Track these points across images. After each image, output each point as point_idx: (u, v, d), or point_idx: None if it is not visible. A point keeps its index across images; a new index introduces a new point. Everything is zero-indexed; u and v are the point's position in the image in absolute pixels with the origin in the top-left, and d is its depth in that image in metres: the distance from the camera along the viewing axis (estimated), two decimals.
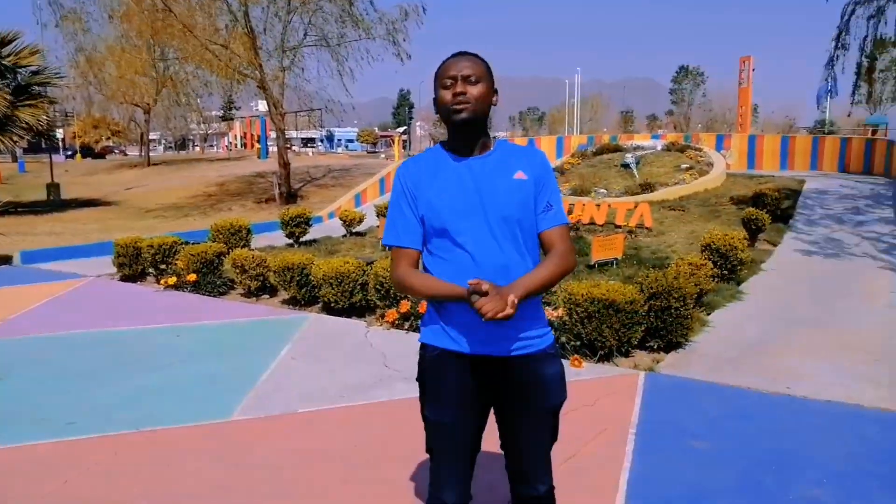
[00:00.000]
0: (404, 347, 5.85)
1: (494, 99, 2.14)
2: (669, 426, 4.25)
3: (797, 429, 4.23)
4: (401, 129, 70.81)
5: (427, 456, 2.27)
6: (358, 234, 13.59)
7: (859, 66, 13.27)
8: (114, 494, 3.43)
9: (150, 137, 47.78)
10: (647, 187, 15.36)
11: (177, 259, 9.14)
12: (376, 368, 5.40)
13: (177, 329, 6.84)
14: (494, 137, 2.22)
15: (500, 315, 1.84)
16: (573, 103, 70.94)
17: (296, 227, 12.50)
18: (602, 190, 15.53)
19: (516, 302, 1.88)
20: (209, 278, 8.65)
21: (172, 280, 8.86)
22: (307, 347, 6.11)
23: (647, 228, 11.76)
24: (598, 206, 12.72)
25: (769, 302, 7.59)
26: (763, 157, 22.04)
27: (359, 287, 7.05)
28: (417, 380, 2.24)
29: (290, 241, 12.61)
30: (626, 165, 16.98)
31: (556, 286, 2.24)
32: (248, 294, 8.37)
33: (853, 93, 14.49)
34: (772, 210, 12.19)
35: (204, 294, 8.49)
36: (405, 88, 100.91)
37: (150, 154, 42.27)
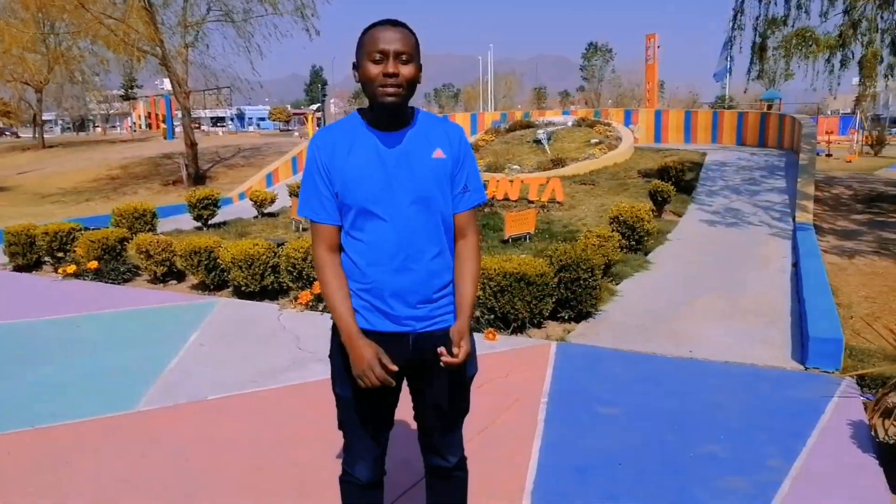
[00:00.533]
0: (318, 329, 5.77)
1: (420, 76, 2.03)
2: (580, 394, 4.38)
3: (699, 390, 4.44)
4: (314, 107, 69.34)
5: (340, 435, 2.25)
6: (270, 214, 13.26)
7: (754, 44, 13.87)
8: (6, 497, 3.24)
9: (45, 118, 44.89)
10: (558, 162, 15.66)
11: (76, 246, 8.68)
12: (289, 351, 5.31)
13: (77, 319, 6.51)
14: (413, 108, 2.12)
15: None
16: (487, 80, 71.42)
17: (204, 210, 12.08)
18: (515, 166, 15.72)
19: (468, 344, 2.04)
20: (112, 265, 8.26)
21: (72, 268, 8.41)
22: (217, 333, 5.93)
23: (558, 203, 12.01)
24: (512, 181, 12.88)
25: (674, 270, 7.92)
26: (668, 131, 22.88)
27: (270, 269, 6.89)
28: (329, 357, 2.21)
29: (199, 223, 12.19)
30: (538, 141, 17.25)
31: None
32: (155, 280, 8.04)
33: (749, 70, 15.16)
34: (676, 182, 12.68)
35: (107, 282, 8.10)
36: (318, 65, 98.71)
37: (46, 136, 39.76)
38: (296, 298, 6.62)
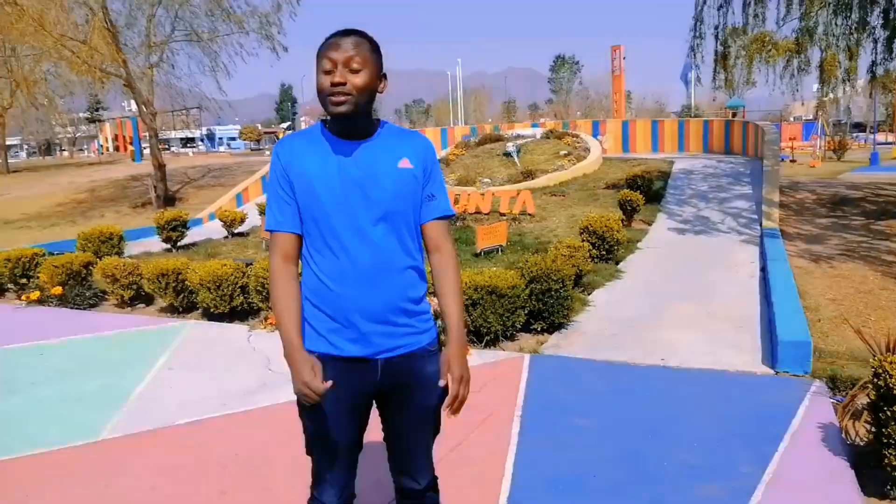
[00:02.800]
0: None
1: (381, 85, 1.97)
2: (553, 406, 4.35)
3: (671, 398, 4.45)
4: (285, 125, 69.11)
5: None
6: (240, 234, 13.12)
7: (716, 52, 14.11)
8: None
9: (10, 143, 44.09)
10: (528, 175, 15.74)
11: (39, 272, 8.48)
12: (260, 373, 5.22)
13: (40, 347, 6.34)
14: (378, 119, 2.06)
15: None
16: (457, 95, 71.85)
17: (172, 231, 11.90)
18: (486, 179, 15.77)
19: (463, 369, 2.01)
20: (77, 290, 8.08)
21: (36, 295, 8.22)
22: (186, 356, 5.82)
23: (529, 215, 12.05)
24: (483, 195, 12.91)
25: (645, 278, 7.96)
26: (636, 140, 23.15)
27: (239, 290, 6.79)
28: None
29: (168, 245, 12.01)
30: (507, 154, 17.32)
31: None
32: (122, 304, 7.89)
33: (713, 78, 15.41)
34: (645, 191, 12.79)
35: (72, 308, 7.93)
36: (286, 83, 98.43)
37: (11, 161, 39.04)
38: (266, 319, 6.53)
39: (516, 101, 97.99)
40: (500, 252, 9.31)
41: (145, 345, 6.28)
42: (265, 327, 6.45)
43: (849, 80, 12.98)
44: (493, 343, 5.63)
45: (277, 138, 40.84)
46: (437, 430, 2.24)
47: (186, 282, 7.06)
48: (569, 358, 5.30)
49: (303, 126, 74.24)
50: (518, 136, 20.17)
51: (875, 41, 12.49)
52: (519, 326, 5.76)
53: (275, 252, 2.02)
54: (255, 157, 37.63)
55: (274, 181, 2.02)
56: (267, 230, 2.05)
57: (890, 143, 40.04)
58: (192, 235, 12.71)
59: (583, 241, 8.19)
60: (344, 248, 1.95)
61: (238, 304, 6.82)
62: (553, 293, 5.79)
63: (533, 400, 4.45)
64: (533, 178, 15.47)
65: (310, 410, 2.07)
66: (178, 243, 12.08)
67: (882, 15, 12.18)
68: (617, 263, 8.68)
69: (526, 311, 5.76)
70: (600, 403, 4.39)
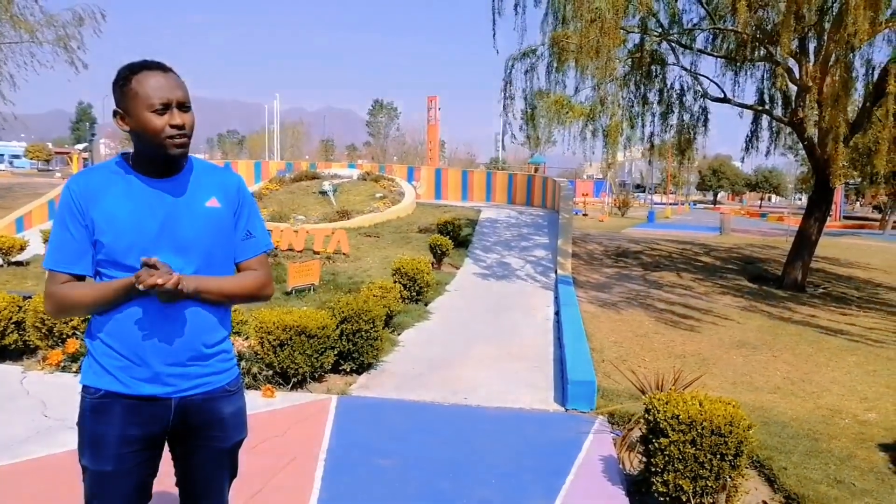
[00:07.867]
0: (71, 393, 5.13)
1: None
2: (358, 447, 4.35)
3: (472, 436, 4.64)
4: (81, 147, 63.47)
5: None
6: (18, 263, 11.74)
7: (525, 112, 15.23)
8: None
9: None
10: (344, 214, 15.82)
11: None
12: (33, 419, 4.66)
13: None
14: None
15: (161, 286, 1.75)
16: (273, 128, 70.44)
17: None
18: (301, 216, 15.59)
19: (182, 284, 1.81)
20: None
21: None
22: None
23: (344, 254, 12.08)
24: (297, 232, 12.74)
25: (451, 320, 8.28)
26: (448, 188, 24.20)
27: (13, 326, 6.05)
28: (77, 424, 1.96)
29: None
30: (324, 193, 17.30)
31: (241, 305, 2.12)
32: None
33: (527, 135, 16.59)
34: (454, 237, 13.38)
35: None
36: (86, 101, 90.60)
37: None
38: (44, 359, 5.87)
39: (334, 141, 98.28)
40: (312, 291, 9.21)
41: None
42: (43, 368, 5.79)
43: (629, 146, 14.66)
44: (300, 385, 5.51)
45: (71, 160, 37.43)
46: (233, 475, 2.17)
47: None
48: (376, 399, 5.34)
49: (102, 149, 68.64)
50: (335, 176, 20.26)
51: (653, 115, 14.26)
52: (328, 367, 5.71)
53: (55, 281, 1.93)
54: (43, 178, 34.12)
55: (62, 218, 1.90)
56: (45, 267, 1.94)
57: (664, 204, 45.45)
58: None
59: (395, 282, 8.36)
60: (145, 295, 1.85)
61: (11, 343, 6.07)
62: (364, 333, 5.82)
63: (338, 442, 4.41)
64: (348, 219, 15.59)
65: (92, 453, 1.92)
66: None
67: (658, 93, 13.95)
68: (426, 305, 8.94)
69: (336, 352, 5.73)
70: (405, 443, 4.46)
